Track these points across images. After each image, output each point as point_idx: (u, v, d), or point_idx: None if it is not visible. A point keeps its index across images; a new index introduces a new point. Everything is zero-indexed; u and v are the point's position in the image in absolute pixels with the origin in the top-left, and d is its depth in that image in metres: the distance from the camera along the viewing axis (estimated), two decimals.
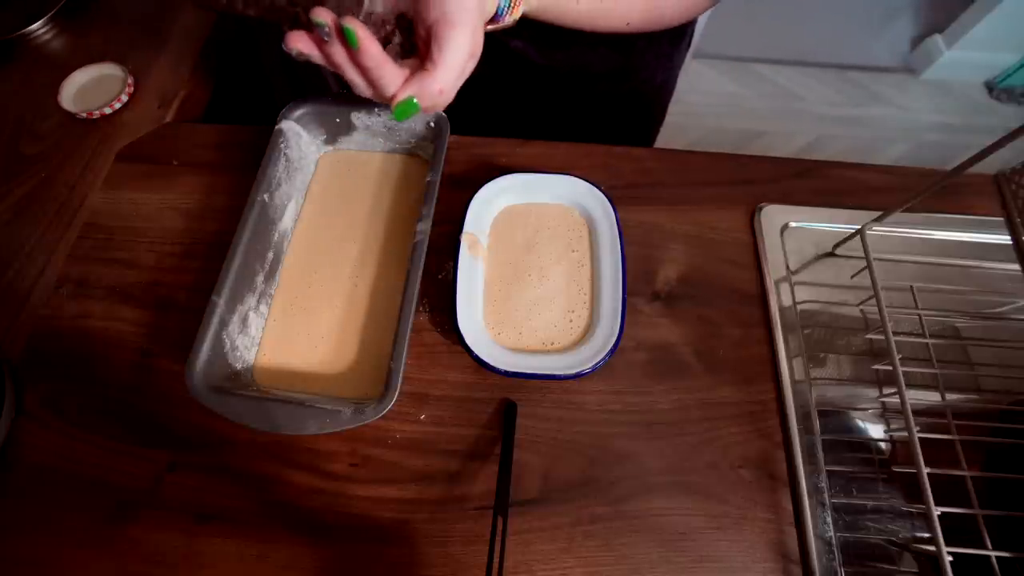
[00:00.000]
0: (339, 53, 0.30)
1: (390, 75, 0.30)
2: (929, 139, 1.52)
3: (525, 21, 0.38)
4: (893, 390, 0.35)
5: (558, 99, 0.58)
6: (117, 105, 0.53)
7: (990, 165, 0.31)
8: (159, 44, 0.57)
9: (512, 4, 0.33)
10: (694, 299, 0.43)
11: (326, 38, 0.29)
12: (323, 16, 0.28)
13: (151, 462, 0.38)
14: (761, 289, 0.44)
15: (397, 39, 0.32)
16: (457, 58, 0.30)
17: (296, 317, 0.42)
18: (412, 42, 0.32)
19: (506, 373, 0.37)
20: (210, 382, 0.35)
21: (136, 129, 0.52)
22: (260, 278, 0.41)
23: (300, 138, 0.46)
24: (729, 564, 0.35)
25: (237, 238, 0.39)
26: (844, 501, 0.37)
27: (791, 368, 0.41)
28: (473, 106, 0.55)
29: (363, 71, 0.30)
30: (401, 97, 0.30)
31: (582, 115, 0.60)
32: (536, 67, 0.53)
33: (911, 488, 0.36)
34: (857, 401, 0.41)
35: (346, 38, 0.28)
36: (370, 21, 0.31)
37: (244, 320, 0.39)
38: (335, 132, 0.48)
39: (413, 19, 0.31)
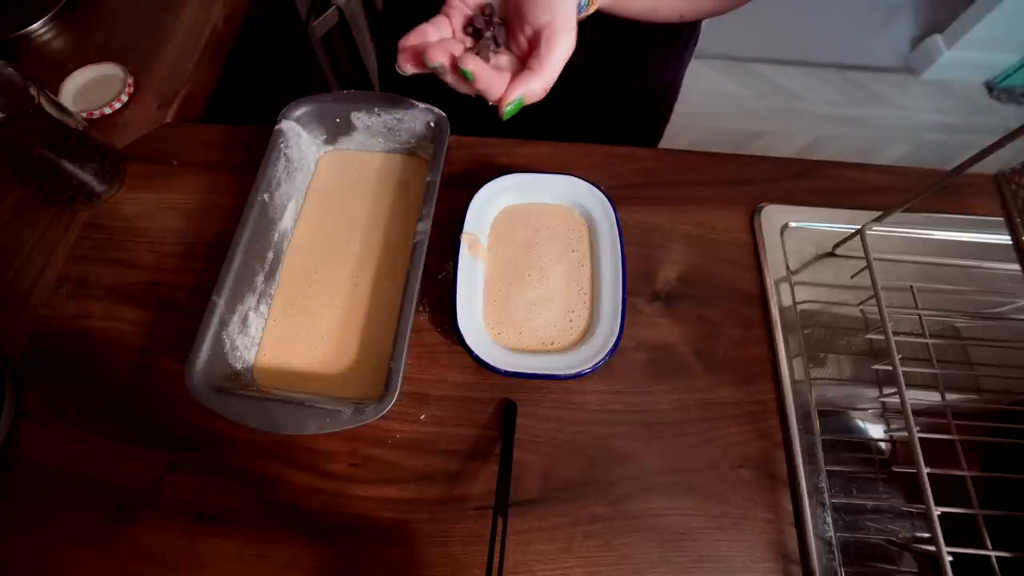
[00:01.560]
0: (451, 78, 0.32)
1: (497, 84, 0.31)
2: (929, 139, 1.52)
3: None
4: (893, 390, 0.35)
5: (567, 97, 0.58)
6: (117, 105, 0.53)
7: (990, 165, 0.31)
8: (159, 44, 0.57)
9: (590, 0, 0.36)
10: (694, 299, 0.43)
11: (441, 75, 0.32)
12: (439, 59, 0.31)
13: (151, 462, 0.38)
14: (761, 289, 0.44)
15: (490, 32, 0.33)
16: (562, 59, 0.31)
17: (296, 317, 0.42)
18: (504, 36, 0.34)
19: (506, 373, 0.37)
20: (210, 382, 0.35)
21: (136, 129, 0.52)
22: (260, 278, 0.41)
23: (300, 138, 0.46)
24: (729, 564, 0.35)
25: (237, 238, 0.39)
26: (844, 501, 0.37)
27: (791, 368, 0.41)
28: (474, 106, 0.55)
29: (471, 87, 0.32)
30: (511, 99, 0.32)
31: (589, 114, 0.60)
32: None
33: (911, 488, 0.36)
34: (857, 401, 0.41)
35: (463, 75, 0.31)
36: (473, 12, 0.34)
37: (244, 320, 0.39)
38: (335, 132, 0.48)
39: (510, 19, 0.33)
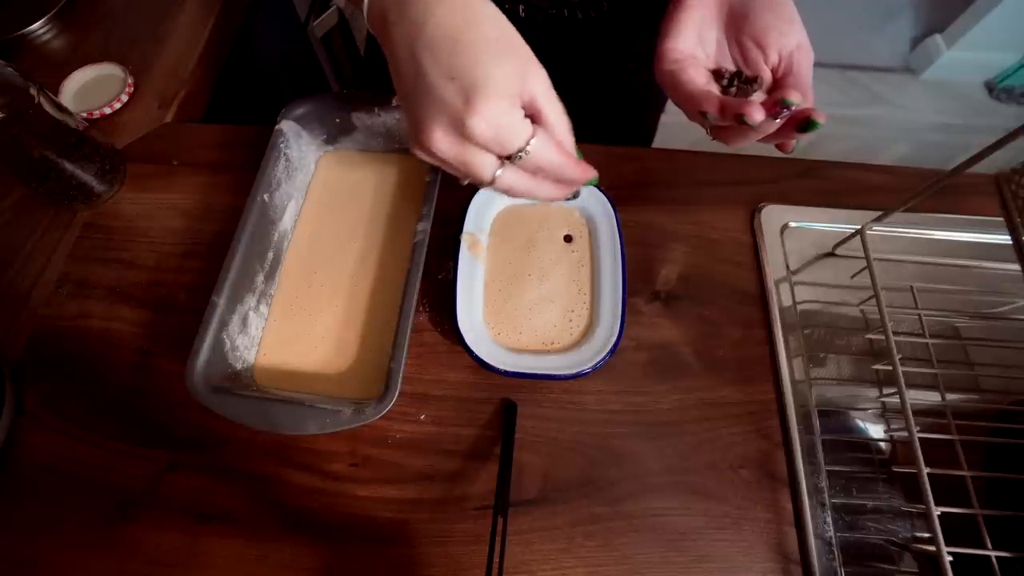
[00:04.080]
0: (776, 125, 0.30)
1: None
2: (929, 139, 1.52)
3: None
4: (893, 390, 0.35)
5: (573, 85, 0.58)
6: (117, 105, 0.53)
7: (990, 165, 0.31)
8: (159, 44, 0.57)
9: None
10: (694, 299, 0.43)
11: (782, 116, 0.29)
12: (796, 97, 0.28)
13: (151, 462, 0.38)
14: (761, 289, 0.44)
15: (740, 84, 0.33)
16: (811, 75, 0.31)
17: (296, 317, 0.42)
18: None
19: (506, 373, 0.37)
20: (210, 382, 0.35)
21: (136, 129, 0.52)
22: (260, 278, 0.41)
23: (300, 138, 0.46)
24: (729, 564, 0.35)
25: (237, 238, 0.39)
26: (844, 501, 0.37)
27: (791, 368, 0.41)
28: None
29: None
30: (793, 145, 0.32)
31: (591, 105, 0.60)
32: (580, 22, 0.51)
33: (911, 488, 0.37)
34: (857, 401, 0.41)
35: (808, 127, 0.29)
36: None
37: (244, 320, 0.39)
38: (335, 132, 0.48)
39: (746, 50, 0.33)
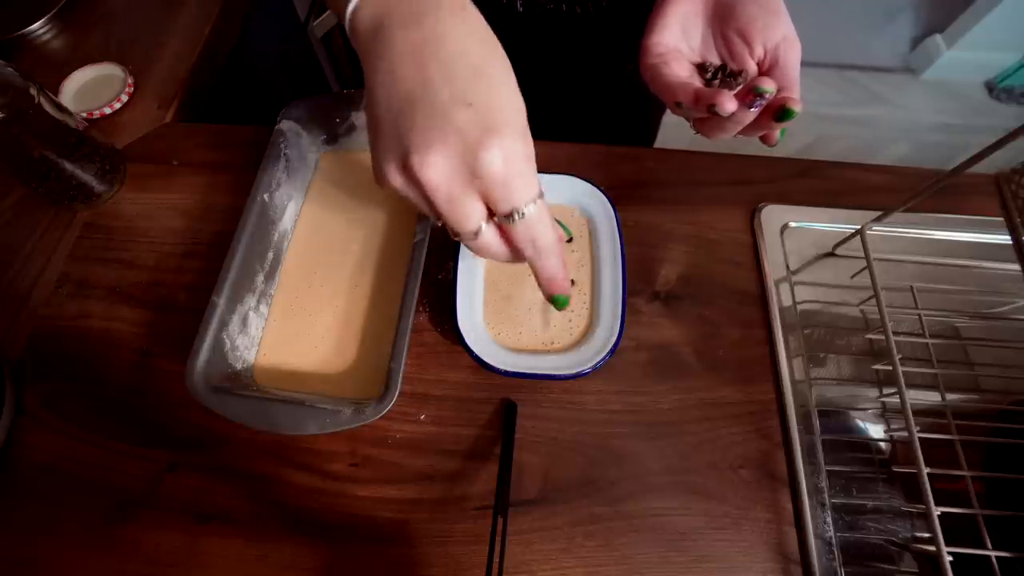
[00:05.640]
0: (753, 114, 0.29)
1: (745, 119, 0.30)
2: (929, 139, 1.52)
3: None
4: (893, 390, 0.35)
5: (573, 88, 0.57)
6: (117, 105, 0.53)
7: (990, 165, 0.31)
8: (159, 44, 0.57)
9: None
10: (694, 299, 0.43)
11: (757, 106, 0.28)
12: (770, 85, 0.27)
13: (151, 462, 0.38)
14: (761, 289, 0.44)
15: (724, 77, 0.33)
16: (798, 68, 0.31)
17: (296, 317, 0.42)
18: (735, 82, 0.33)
19: (506, 373, 0.37)
20: (210, 382, 0.35)
21: (136, 129, 0.52)
22: (260, 278, 0.41)
23: (300, 138, 0.46)
24: (729, 564, 0.35)
25: (237, 238, 0.39)
26: (844, 501, 0.37)
27: (791, 368, 0.41)
28: None
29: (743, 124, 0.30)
30: (778, 136, 0.31)
31: (591, 108, 0.60)
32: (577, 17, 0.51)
33: (911, 488, 0.37)
34: (857, 401, 0.41)
35: (784, 116, 0.28)
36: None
37: (244, 320, 0.39)
38: (335, 132, 0.48)
39: (731, 44, 0.32)
